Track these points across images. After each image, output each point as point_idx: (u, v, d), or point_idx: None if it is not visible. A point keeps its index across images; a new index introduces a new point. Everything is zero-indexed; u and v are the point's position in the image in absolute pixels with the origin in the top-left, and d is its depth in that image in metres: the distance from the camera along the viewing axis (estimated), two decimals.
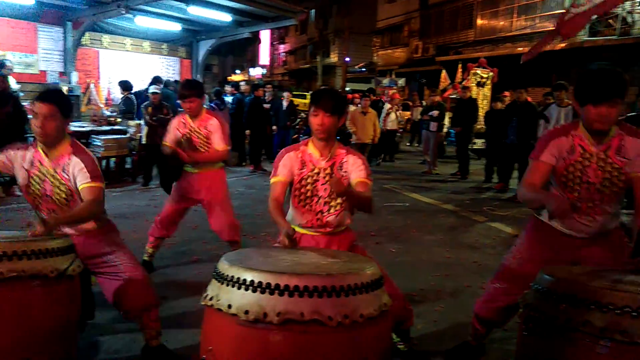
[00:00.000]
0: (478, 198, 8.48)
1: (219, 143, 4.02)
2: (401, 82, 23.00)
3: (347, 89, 21.45)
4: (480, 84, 14.68)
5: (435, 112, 10.95)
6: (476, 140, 12.19)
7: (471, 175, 10.60)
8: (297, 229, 2.66)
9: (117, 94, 13.00)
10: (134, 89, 10.65)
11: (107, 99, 12.17)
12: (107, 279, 2.71)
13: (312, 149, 2.66)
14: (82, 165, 2.58)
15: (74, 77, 11.96)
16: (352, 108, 12.26)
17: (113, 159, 8.61)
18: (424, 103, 15.13)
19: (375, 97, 13.45)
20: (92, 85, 10.56)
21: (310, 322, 1.65)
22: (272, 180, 2.65)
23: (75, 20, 11.94)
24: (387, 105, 12.82)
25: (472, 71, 14.68)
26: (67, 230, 2.63)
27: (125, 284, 2.67)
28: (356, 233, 2.84)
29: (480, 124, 11.94)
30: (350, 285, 1.74)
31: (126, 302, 2.70)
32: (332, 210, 2.63)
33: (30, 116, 2.66)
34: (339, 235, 2.70)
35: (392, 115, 12.65)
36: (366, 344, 1.78)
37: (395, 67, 26.12)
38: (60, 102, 2.56)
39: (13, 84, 8.07)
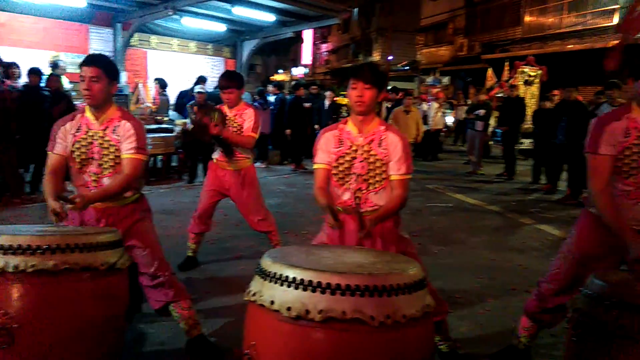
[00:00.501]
0: (525, 200, 8.26)
1: (247, 130, 4.09)
2: (445, 80, 22.65)
3: (388, 87, 21.28)
4: (528, 83, 14.28)
5: (481, 111, 10.73)
6: (523, 140, 11.87)
7: (518, 176, 10.33)
8: (339, 209, 2.64)
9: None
10: (182, 89, 10.93)
11: (154, 98, 12.49)
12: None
13: (350, 126, 2.63)
14: (133, 131, 2.64)
15: (123, 77, 12.34)
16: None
17: (160, 157, 8.84)
18: (469, 102, 14.84)
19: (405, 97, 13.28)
20: (140, 85, 10.86)
21: (352, 320, 1.65)
22: (314, 166, 2.67)
23: (125, 21, 12.32)
24: (435, 104, 12.66)
25: (520, 69, 14.29)
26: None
27: (152, 282, 2.74)
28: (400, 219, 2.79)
29: (528, 124, 11.60)
30: (392, 285, 1.72)
31: (155, 297, 2.77)
32: (370, 188, 2.59)
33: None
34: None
35: (438, 114, 12.49)
36: (408, 345, 1.76)
37: (440, 66, 25.72)
38: (105, 65, 2.63)
39: (66, 83, 8.40)
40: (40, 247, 1.95)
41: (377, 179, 2.57)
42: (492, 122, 12.28)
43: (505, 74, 14.93)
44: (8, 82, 7.15)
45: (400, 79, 27.94)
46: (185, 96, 10.60)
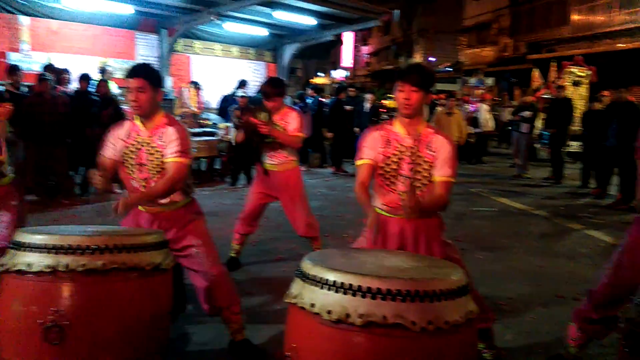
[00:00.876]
0: (573, 204, 7.99)
1: (293, 130, 4.11)
2: (489, 81, 22.17)
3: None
4: (576, 83, 13.80)
5: (527, 113, 10.45)
6: (571, 143, 11.49)
7: (566, 179, 10.00)
8: (381, 212, 2.62)
9: (208, 98, 13.62)
10: (224, 93, 11.14)
11: (198, 102, 12.74)
12: (191, 272, 2.83)
13: (397, 127, 2.61)
14: (177, 135, 2.70)
15: (168, 81, 12.66)
16: (438, 109, 12.00)
17: (204, 160, 9.01)
18: (514, 103, 14.49)
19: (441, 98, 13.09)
20: (184, 90, 11.11)
21: (393, 325, 1.63)
22: (357, 162, 2.65)
23: (170, 27, 12.62)
24: (484, 106, 12.45)
25: (567, 70, 13.84)
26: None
27: (207, 283, 2.77)
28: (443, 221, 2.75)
29: (576, 126, 11.23)
30: (435, 290, 1.70)
31: (208, 299, 2.80)
32: (417, 191, 2.56)
33: (128, 119, 2.84)
34: (425, 220, 2.58)
35: (487, 116, 12.27)
36: (450, 352, 1.73)
37: (483, 67, 25.21)
38: (149, 75, 2.70)
39: (114, 88, 8.67)
40: (89, 247, 2.01)
41: (423, 181, 2.55)
42: (539, 124, 11.94)
43: (552, 74, 14.49)
44: (60, 87, 7.45)
45: (442, 81, 27.55)
46: (227, 100, 10.78)
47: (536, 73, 15.78)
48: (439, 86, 24.66)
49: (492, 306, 3.17)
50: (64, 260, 1.98)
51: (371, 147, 2.61)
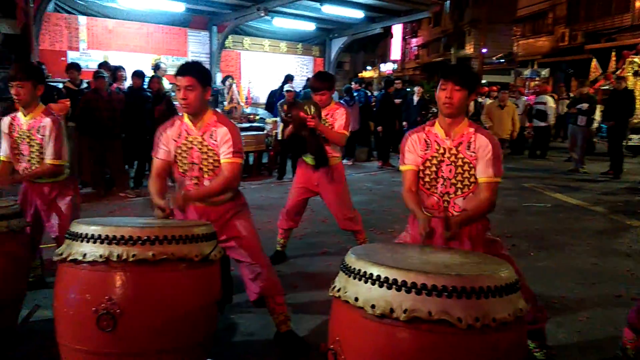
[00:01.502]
0: (633, 200, 7.61)
1: (339, 127, 4.10)
2: (544, 72, 21.41)
3: (483, 81, 20.50)
4: (638, 74, 13.13)
5: (584, 105, 10.02)
6: (632, 136, 10.98)
7: (625, 174, 9.55)
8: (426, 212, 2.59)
9: (256, 93, 13.79)
10: (272, 88, 11.25)
11: (247, 98, 12.93)
12: (237, 263, 2.88)
13: (437, 129, 2.55)
14: (229, 136, 2.74)
15: (218, 77, 12.90)
16: (488, 101, 11.71)
17: (252, 154, 9.15)
18: (572, 95, 13.94)
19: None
20: (234, 85, 11.29)
21: (438, 321, 1.61)
22: (401, 168, 2.64)
23: (220, 24, 12.85)
24: (550, 99, 12.10)
25: (629, 59, 13.20)
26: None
27: (252, 275, 2.82)
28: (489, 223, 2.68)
29: (638, 118, 10.69)
30: (482, 287, 1.65)
31: (253, 290, 2.85)
32: (458, 193, 2.50)
33: (181, 114, 2.90)
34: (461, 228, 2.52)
35: (553, 109, 11.94)
36: (499, 350, 1.69)
37: (538, 57, 24.35)
38: (198, 73, 2.72)
39: (166, 84, 8.92)
40: (140, 238, 2.08)
41: (465, 182, 2.49)
42: (597, 116, 11.45)
43: (612, 64, 13.86)
44: (115, 84, 7.72)
45: (494, 72, 26.82)
46: (274, 95, 10.88)
47: (595, 63, 15.11)
48: (491, 78, 24.02)
49: (545, 305, 3.07)
50: (117, 250, 2.05)
51: (412, 151, 2.58)
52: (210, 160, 2.77)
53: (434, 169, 2.52)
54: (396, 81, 11.31)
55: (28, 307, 2.96)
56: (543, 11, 25.14)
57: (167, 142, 2.83)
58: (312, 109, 3.92)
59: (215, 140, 2.75)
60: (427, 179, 2.54)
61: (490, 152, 2.45)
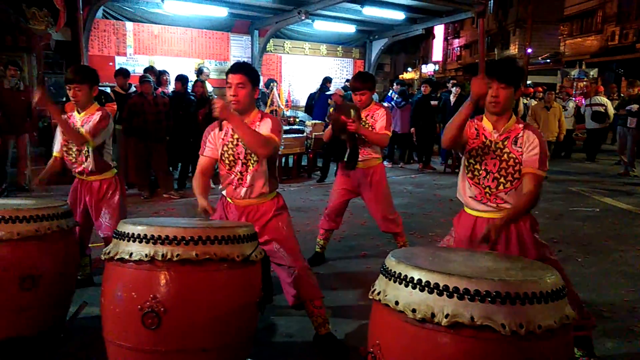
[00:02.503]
0: None
1: (380, 128, 4.07)
2: (593, 73, 20.66)
3: (528, 82, 19.98)
4: None
5: (634, 107, 9.61)
6: None
7: None
8: (468, 210, 2.57)
9: (296, 96, 13.88)
10: (311, 91, 11.30)
11: (287, 101, 13.03)
12: (275, 266, 2.92)
13: (485, 123, 2.55)
14: (270, 122, 2.82)
15: (261, 81, 13.06)
16: (533, 102, 11.42)
17: (291, 157, 9.21)
18: (622, 96, 13.41)
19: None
20: (275, 88, 11.41)
21: (481, 327, 1.57)
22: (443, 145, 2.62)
23: (261, 28, 13.01)
24: (603, 99, 11.70)
25: None
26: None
27: (290, 278, 2.85)
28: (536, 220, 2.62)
29: None
30: (527, 293, 1.61)
31: (291, 293, 2.87)
32: (500, 187, 2.46)
33: None
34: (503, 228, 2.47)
35: (589, 110, 11.53)
36: (543, 358, 1.64)
37: (586, 57, 23.52)
38: (249, 72, 2.81)
39: (209, 88, 9.09)
40: (184, 238, 2.12)
41: (508, 178, 2.45)
42: None
43: None
44: (160, 88, 7.93)
45: (540, 73, 26.08)
46: (313, 98, 10.91)
47: None
48: (537, 78, 23.38)
49: (593, 312, 2.96)
50: (161, 250, 2.10)
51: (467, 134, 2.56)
52: (253, 154, 2.83)
53: (478, 159, 2.50)
54: (424, 84, 11.09)
55: (76, 305, 3.06)
56: (592, 9, 24.30)
57: (214, 140, 2.91)
58: (353, 113, 3.91)
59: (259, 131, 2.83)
60: (471, 169, 2.53)
61: (538, 146, 2.42)
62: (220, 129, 2.89)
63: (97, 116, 3.48)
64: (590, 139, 12.33)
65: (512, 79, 2.39)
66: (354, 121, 3.88)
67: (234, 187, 2.90)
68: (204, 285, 2.17)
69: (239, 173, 2.88)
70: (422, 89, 10.68)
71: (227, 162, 2.90)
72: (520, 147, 2.43)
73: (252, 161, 2.85)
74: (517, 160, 2.44)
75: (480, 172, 2.49)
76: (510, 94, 2.41)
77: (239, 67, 2.82)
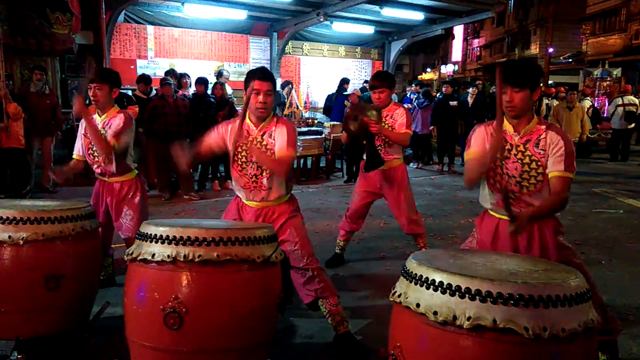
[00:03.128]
0: None
1: (400, 127, 4.05)
2: (616, 72, 20.29)
3: (550, 82, 19.70)
4: None
5: None
6: None
7: None
8: (491, 212, 2.54)
9: (315, 97, 13.90)
10: (329, 92, 11.29)
11: (305, 102, 13.07)
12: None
13: (506, 125, 2.49)
14: (285, 132, 2.84)
15: (278, 83, 13.12)
16: (555, 103, 11.27)
17: (310, 158, 9.23)
18: None
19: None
20: (293, 90, 11.45)
21: (503, 330, 1.56)
22: (466, 156, 2.60)
23: (280, 30, 13.07)
24: (634, 99, 11.52)
25: None
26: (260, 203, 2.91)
27: (304, 278, 2.88)
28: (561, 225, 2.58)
29: None
30: (550, 296, 1.59)
31: (306, 293, 2.90)
32: (524, 191, 2.43)
33: None
34: (539, 222, 2.45)
35: (620, 110, 11.33)
36: None
37: (609, 56, 23.11)
38: (274, 80, 2.88)
39: (229, 90, 9.16)
40: (206, 239, 2.14)
41: (531, 181, 2.41)
42: None
43: None
44: (181, 91, 8.02)
45: (562, 73, 25.71)
46: (331, 99, 10.92)
47: None
48: (559, 78, 23.04)
49: (617, 316, 2.91)
50: (183, 250, 2.12)
51: (479, 140, 2.54)
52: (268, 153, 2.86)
53: (499, 163, 2.46)
54: (445, 84, 11.00)
55: (99, 304, 3.11)
56: (615, 7, 23.85)
57: (226, 135, 2.92)
58: (375, 113, 3.90)
59: (274, 140, 2.85)
60: (492, 174, 2.49)
61: (563, 147, 2.36)
62: (241, 135, 2.88)
63: (119, 120, 3.51)
64: (615, 139, 12.10)
65: (525, 80, 2.34)
66: (376, 122, 3.87)
67: (250, 190, 2.93)
68: (225, 286, 2.18)
69: (253, 176, 2.90)
70: (444, 89, 10.60)
71: (239, 162, 2.92)
72: (543, 150, 2.38)
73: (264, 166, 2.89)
74: (539, 163, 2.39)
75: (503, 177, 2.45)
76: (525, 96, 2.36)
77: (268, 74, 2.85)
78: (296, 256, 2.91)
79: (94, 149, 3.57)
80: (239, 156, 2.92)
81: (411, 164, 10.59)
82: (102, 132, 3.51)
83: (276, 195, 2.94)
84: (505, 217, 2.48)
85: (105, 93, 3.50)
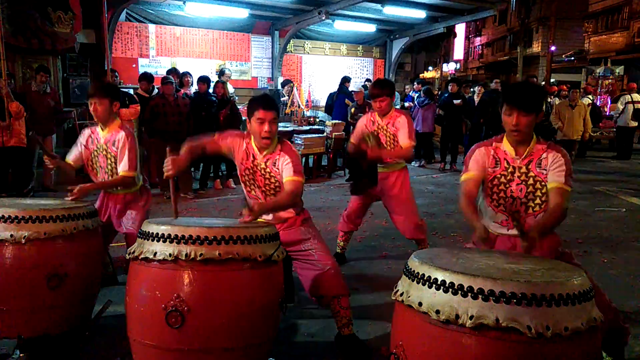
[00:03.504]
0: None
1: (403, 139, 4.01)
2: (619, 70, 20.25)
3: (552, 80, 19.67)
4: None
5: None
6: None
7: None
8: (492, 229, 2.52)
9: (317, 96, 13.89)
10: (331, 91, 11.28)
11: (307, 101, 13.05)
12: (302, 266, 2.93)
13: (506, 146, 2.47)
14: (289, 161, 2.84)
15: (280, 81, 13.11)
16: (557, 101, 11.24)
17: (311, 157, 9.22)
18: None
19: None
20: (294, 89, 11.44)
21: (506, 329, 1.56)
22: (463, 177, 2.54)
23: (282, 29, 13.06)
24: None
25: None
26: (269, 219, 2.89)
27: (318, 273, 2.85)
28: (560, 239, 2.58)
29: None
30: (553, 294, 1.59)
31: (318, 289, 2.86)
32: (529, 211, 2.42)
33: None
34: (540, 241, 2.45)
35: (630, 108, 11.29)
36: None
37: (612, 54, 23.04)
38: (278, 109, 2.90)
39: (230, 89, 9.15)
40: (208, 238, 2.14)
41: (537, 201, 2.40)
42: None
43: None
44: (183, 90, 8.02)
45: (564, 71, 25.65)
46: (332, 97, 10.91)
47: None
48: (561, 77, 23.01)
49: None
50: (185, 249, 2.12)
51: (477, 162, 2.51)
52: (272, 187, 2.90)
53: (502, 187, 2.45)
54: (452, 83, 10.97)
55: (101, 303, 3.11)
56: (617, 5, 23.76)
57: (234, 150, 2.94)
58: (371, 139, 3.90)
59: (278, 169, 2.87)
60: (495, 197, 2.47)
61: (564, 164, 2.36)
62: (248, 158, 2.92)
63: (122, 141, 3.46)
64: (622, 137, 12.03)
65: (533, 106, 2.33)
66: (373, 148, 3.87)
67: None
68: (226, 284, 2.18)
69: (258, 198, 2.94)
70: (450, 87, 10.57)
71: (247, 183, 2.96)
72: (545, 169, 2.38)
73: (270, 192, 2.92)
74: (543, 183, 2.38)
75: (507, 200, 2.43)
76: (531, 121, 2.35)
77: (273, 104, 2.86)
78: (313, 253, 2.90)
79: (98, 160, 3.54)
80: (246, 178, 2.96)
81: (413, 162, 10.57)
82: (105, 149, 3.50)
83: (286, 216, 2.98)
84: (505, 233, 2.49)
85: (106, 108, 3.47)
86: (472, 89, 10.90)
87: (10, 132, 6.76)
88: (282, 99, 11.08)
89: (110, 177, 3.53)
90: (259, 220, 2.65)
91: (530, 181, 2.40)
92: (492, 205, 2.49)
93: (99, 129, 3.57)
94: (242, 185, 3.01)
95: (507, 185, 2.43)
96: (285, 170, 2.84)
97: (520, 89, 2.39)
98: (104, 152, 3.53)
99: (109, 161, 3.53)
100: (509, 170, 2.44)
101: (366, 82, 11.19)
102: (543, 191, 2.39)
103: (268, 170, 2.89)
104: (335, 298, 2.87)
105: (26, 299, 2.62)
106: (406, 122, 4.04)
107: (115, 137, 3.50)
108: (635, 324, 3.28)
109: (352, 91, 8.90)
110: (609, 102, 14.39)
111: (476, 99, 10.35)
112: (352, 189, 4.22)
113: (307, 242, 2.92)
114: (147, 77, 8.16)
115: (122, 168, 3.47)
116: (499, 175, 2.46)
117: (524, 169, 2.42)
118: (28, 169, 7.23)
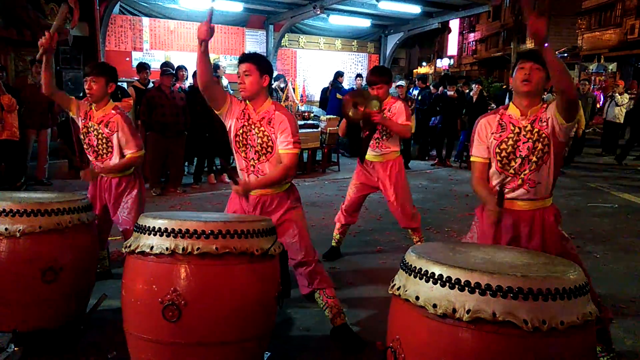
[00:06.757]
0: None
1: (402, 120, 4.06)
2: (612, 67, 20.36)
3: None
4: None
5: None
6: None
7: None
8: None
9: (311, 90, 13.87)
10: (325, 86, 11.25)
11: (302, 96, 13.02)
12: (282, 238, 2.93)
13: (512, 110, 2.55)
14: (287, 125, 2.82)
15: (274, 76, 13.06)
16: (551, 97, 11.26)
17: (306, 152, 9.21)
18: None
19: None
20: (289, 84, 11.40)
21: (503, 323, 1.57)
22: (472, 159, 2.64)
23: (276, 23, 13.01)
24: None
25: None
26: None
27: (301, 266, 2.92)
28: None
29: None
30: (549, 289, 1.60)
31: (303, 283, 2.93)
32: (533, 167, 2.47)
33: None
34: (541, 210, 2.52)
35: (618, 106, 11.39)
36: (566, 354, 1.63)
37: (604, 51, 23.18)
38: (255, 60, 2.85)
39: (225, 83, 9.11)
40: (205, 232, 2.14)
41: (539, 154, 2.46)
42: None
43: None
44: (178, 84, 7.97)
45: None
46: (326, 92, 10.89)
47: None
48: None
49: (611, 309, 2.94)
50: (182, 243, 2.12)
51: (481, 141, 2.58)
52: (265, 146, 2.85)
53: (510, 149, 2.50)
54: (450, 86, 10.92)
55: (96, 297, 3.10)
56: (610, 2, 23.90)
57: (231, 113, 2.91)
58: (377, 104, 3.89)
59: (273, 127, 2.83)
60: (504, 161, 2.52)
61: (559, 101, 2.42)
62: (243, 117, 2.89)
63: (119, 124, 3.48)
64: (608, 132, 12.13)
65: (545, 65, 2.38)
66: (378, 113, 3.88)
67: (248, 174, 2.92)
68: (223, 278, 2.18)
69: (251, 160, 2.90)
70: (449, 93, 10.53)
71: (240, 145, 2.91)
72: (546, 122, 2.45)
73: (263, 151, 2.87)
74: (544, 135, 2.45)
75: (516, 160, 2.49)
76: (543, 77, 2.42)
77: (245, 56, 2.87)
78: (295, 248, 2.91)
79: (89, 137, 3.54)
80: (239, 138, 2.90)
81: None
82: (97, 129, 3.49)
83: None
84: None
85: (101, 86, 3.47)
86: (469, 88, 10.88)
87: (2, 125, 6.70)
88: (274, 94, 11.04)
89: (99, 157, 3.54)
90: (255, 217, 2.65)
91: (535, 137, 2.46)
92: (498, 167, 2.54)
93: (93, 108, 3.55)
94: (235, 153, 2.95)
95: (515, 147, 2.49)
96: (281, 136, 2.82)
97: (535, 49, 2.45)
98: (95, 132, 3.52)
99: (99, 141, 3.52)
100: (515, 131, 2.50)
101: (358, 78, 11.15)
102: (544, 142, 2.45)
103: (263, 129, 2.85)
104: (320, 290, 2.92)
105: (21, 293, 2.61)
106: (402, 107, 4.11)
107: (108, 119, 3.50)
108: (626, 317, 3.32)
109: (351, 88, 8.87)
110: (602, 99, 14.44)
111: (474, 96, 10.35)
112: (351, 150, 4.24)
113: (293, 236, 2.92)
114: (145, 67, 8.08)
115: (129, 149, 3.50)
116: (505, 139, 2.51)
117: (529, 127, 2.48)
118: (21, 162, 7.18)
